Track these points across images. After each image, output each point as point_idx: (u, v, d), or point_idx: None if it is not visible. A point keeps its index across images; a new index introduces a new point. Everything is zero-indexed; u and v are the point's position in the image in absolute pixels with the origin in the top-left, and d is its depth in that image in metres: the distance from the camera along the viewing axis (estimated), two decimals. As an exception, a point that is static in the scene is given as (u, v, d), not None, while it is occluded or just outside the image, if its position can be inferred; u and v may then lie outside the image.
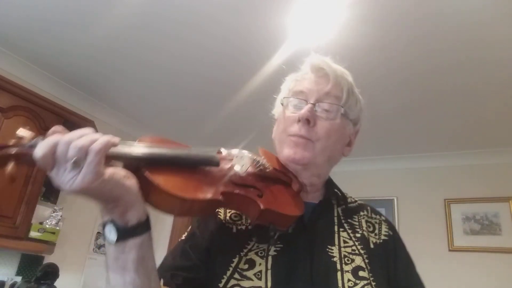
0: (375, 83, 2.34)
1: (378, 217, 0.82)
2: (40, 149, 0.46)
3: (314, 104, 0.74)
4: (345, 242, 0.72)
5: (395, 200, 3.42)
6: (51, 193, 2.67)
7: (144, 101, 3.05)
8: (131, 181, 0.51)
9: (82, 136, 0.48)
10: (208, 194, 0.57)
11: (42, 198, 2.52)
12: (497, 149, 3.14)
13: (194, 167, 0.61)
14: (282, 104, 0.81)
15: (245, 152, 0.71)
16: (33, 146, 0.47)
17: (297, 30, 2.01)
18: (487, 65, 2.12)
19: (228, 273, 0.66)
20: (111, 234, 0.51)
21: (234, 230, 0.73)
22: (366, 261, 0.70)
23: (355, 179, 3.23)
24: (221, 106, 2.94)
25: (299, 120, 0.73)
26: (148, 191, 0.53)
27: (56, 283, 2.33)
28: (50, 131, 0.49)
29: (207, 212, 0.61)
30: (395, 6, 1.77)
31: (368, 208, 0.84)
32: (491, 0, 1.68)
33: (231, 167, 0.66)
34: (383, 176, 3.57)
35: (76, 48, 2.39)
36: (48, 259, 2.59)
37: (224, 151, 0.70)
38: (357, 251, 0.71)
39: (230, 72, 2.48)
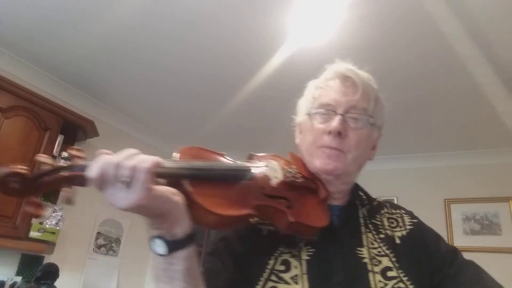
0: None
1: (398, 211, 0.83)
2: (93, 170, 0.49)
3: (343, 115, 0.73)
4: (371, 243, 0.73)
5: (395, 200, 3.41)
6: (51, 193, 2.67)
7: (144, 101, 3.05)
8: (178, 197, 0.55)
9: (131, 157, 0.51)
10: (243, 209, 0.60)
11: (42, 198, 2.52)
12: (497, 149, 3.14)
13: (230, 181, 0.64)
14: (308, 114, 0.79)
15: (275, 162, 0.72)
16: (84, 168, 0.50)
17: (297, 30, 2.01)
18: (487, 65, 2.12)
19: (265, 275, 0.67)
20: (160, 247, 0.53)
21: (265, 232, 0.73)
22: (393, 259, 0.70)
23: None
24: (221, 106, 2.94)
25: (329, 132, 0.73)
26: (188, 206, 0.56)
27: (56, 283, 2.33)
28: (97, 153, 0.52)
29: (242, 223, 0.63)
30: (395, 6, 1.77)
31: (387, 204, 0.84)
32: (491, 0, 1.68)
33: (265, 179, 0.67)
34: (383, 176, 3.56)
35: (76, 48, 2.39)
36: (48, 259, 2.58)
37: (255, 160, 0.72)
38: (382, 252, 0.71)
39: (230, 72, 2.48)
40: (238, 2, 1.85)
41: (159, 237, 0.54)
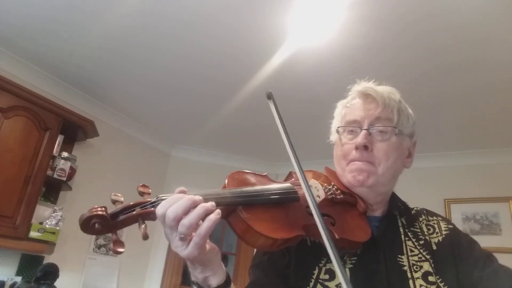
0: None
1: (435, 218, 0.86)
2: (160, 209, 0.54)
3: (368, 129, 0.77)
4: (411, 250, 0.76)
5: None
6: (51, 193, 2.67)
7: (144, 101, 3.05)
8: (217, 253, 0.62)
9: (189, 213, 0.54)
10: (293, 231, 0.64)
11: (42, 198, 2.52)
12: (497, 149, 3.14)
13: (279, 204, 0.67)
14: (337, 132, 0.85)
15: (314, 181, 0.75)
16: (155, 205, 0.56)
17: (297, 30, 2.01)
18: (487, 65, 2.12)
19: (311, 284, 0.71)
20: None
21: (309, 243, 0.76)
22: (433, 265, 0.74)
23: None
24: (221, 106, 2.94)
25: (357, 148, 0.77)
26: (244, 231, 0.61)
27: (56, 283, 2.33)
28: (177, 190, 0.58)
29: (292, 243, 0.66)
30: (395, 6, 1.77)
31: (424, 211, 0.88)
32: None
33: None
34: (383, 176, 3.57)
35: (76, 48, 2.39)
36: (48, 259, 2.59)
37: (294, 178, 0.75)
38: (423, 258, 0.75)
39: (230, 72, 2.48)
40: (238, 2, 1.85)
41: (198, 285, 0.61)
